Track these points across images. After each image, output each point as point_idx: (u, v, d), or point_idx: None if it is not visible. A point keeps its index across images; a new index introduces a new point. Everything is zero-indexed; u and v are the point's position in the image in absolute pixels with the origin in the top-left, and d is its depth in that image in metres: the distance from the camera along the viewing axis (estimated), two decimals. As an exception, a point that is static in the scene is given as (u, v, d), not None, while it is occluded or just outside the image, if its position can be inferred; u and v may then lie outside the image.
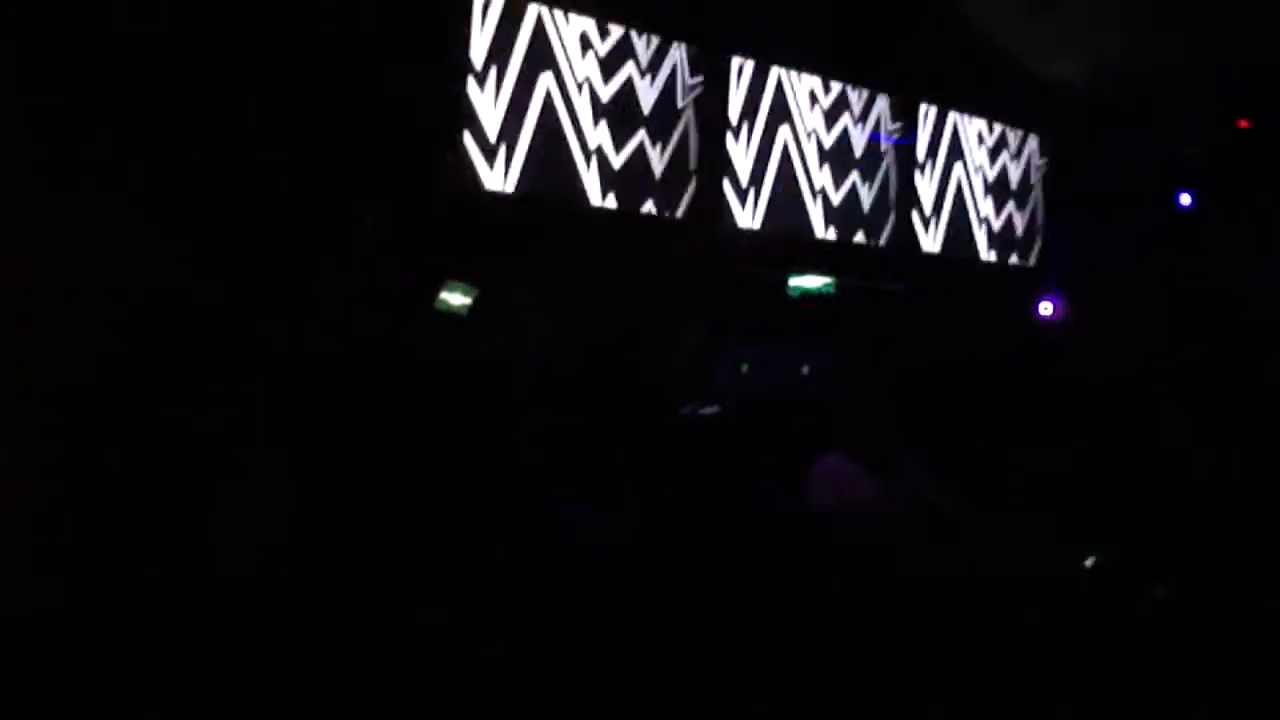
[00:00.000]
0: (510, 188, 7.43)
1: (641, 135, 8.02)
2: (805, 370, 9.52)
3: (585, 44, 7.79)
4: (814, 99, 8.91)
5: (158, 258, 6.25)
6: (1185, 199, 10.69)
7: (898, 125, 9.43)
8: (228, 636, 5.80)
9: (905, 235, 9.49)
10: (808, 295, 9.29)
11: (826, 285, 9.29)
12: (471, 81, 7.29)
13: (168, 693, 5.47)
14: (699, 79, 8.29)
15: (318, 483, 6.68)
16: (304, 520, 6.52)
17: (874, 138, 9.23)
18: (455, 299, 7.60)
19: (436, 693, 5.75)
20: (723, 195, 8.42)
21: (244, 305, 6.62)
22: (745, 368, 9.27)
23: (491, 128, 7.34)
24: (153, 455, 6.20)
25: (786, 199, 8.73)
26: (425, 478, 6.96)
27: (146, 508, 6.12)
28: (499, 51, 7.37)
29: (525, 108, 7.48)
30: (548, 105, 7.59)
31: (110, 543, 6.00)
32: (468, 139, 7.32)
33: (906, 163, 9.46)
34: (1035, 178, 10.39)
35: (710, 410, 8.82)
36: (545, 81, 7.59)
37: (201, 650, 5.67)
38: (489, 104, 7.35)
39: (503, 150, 7.39)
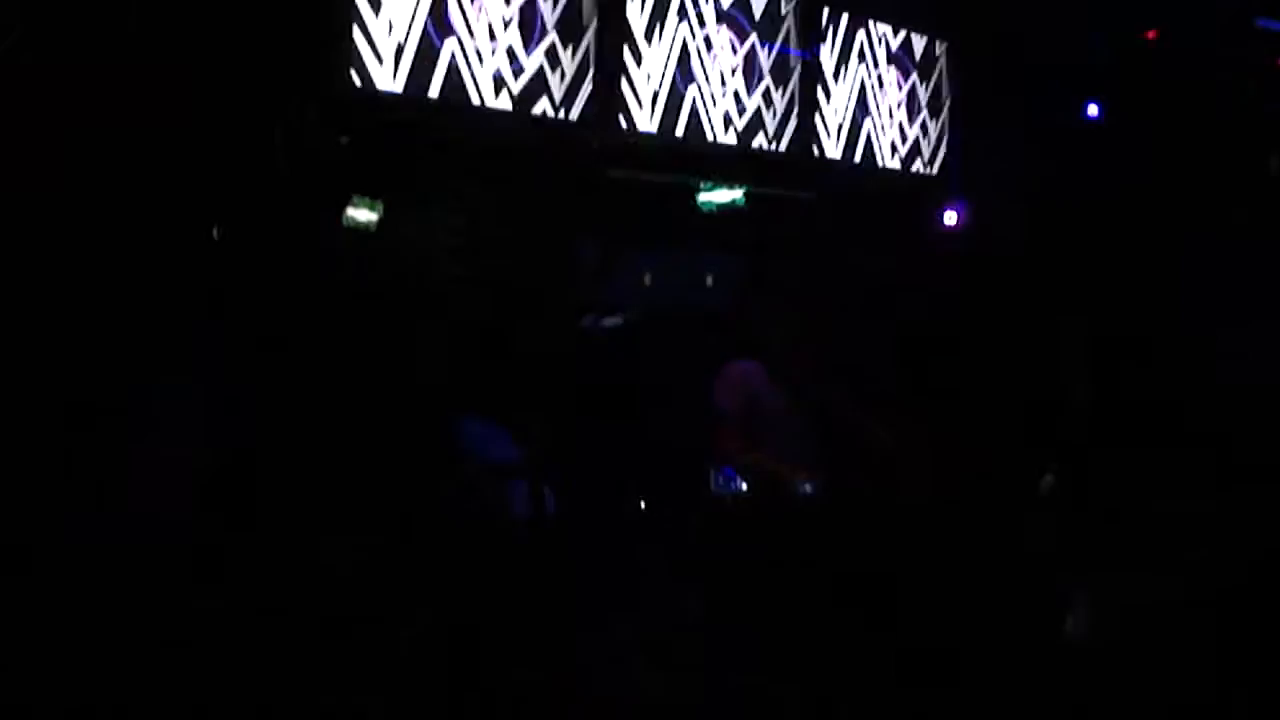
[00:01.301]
0: (400, 88, 7.31)
1: (545, 38, 7.95)
2: (710, 280, 9.56)
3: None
4: (718, 2, 8.86)
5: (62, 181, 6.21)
6: (1092, 110, 10.76)
7: (802, 30, 9.40)
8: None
9: (809, 142, 9.49)
10: (717, 207, 9.30)
11: (737, 199, 9.29)
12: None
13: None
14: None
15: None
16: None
17: (779, 47, 9.21)
18: (361, 215, 7.57)
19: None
20: (621, 98, 8.36)
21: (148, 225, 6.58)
22: (648, 278, 9.29)
23: (381, 26, 7.22)
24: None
25: (687, 103, 8.69)
26: (329, 400, 6.96)
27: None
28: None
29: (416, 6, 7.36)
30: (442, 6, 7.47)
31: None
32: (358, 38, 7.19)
33: (811, 68, 9.45)
34: (942, 86, 10.42)
35: (613, 321, 8.85)
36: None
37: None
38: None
39: (393, 50, 7.26)
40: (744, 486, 7.43)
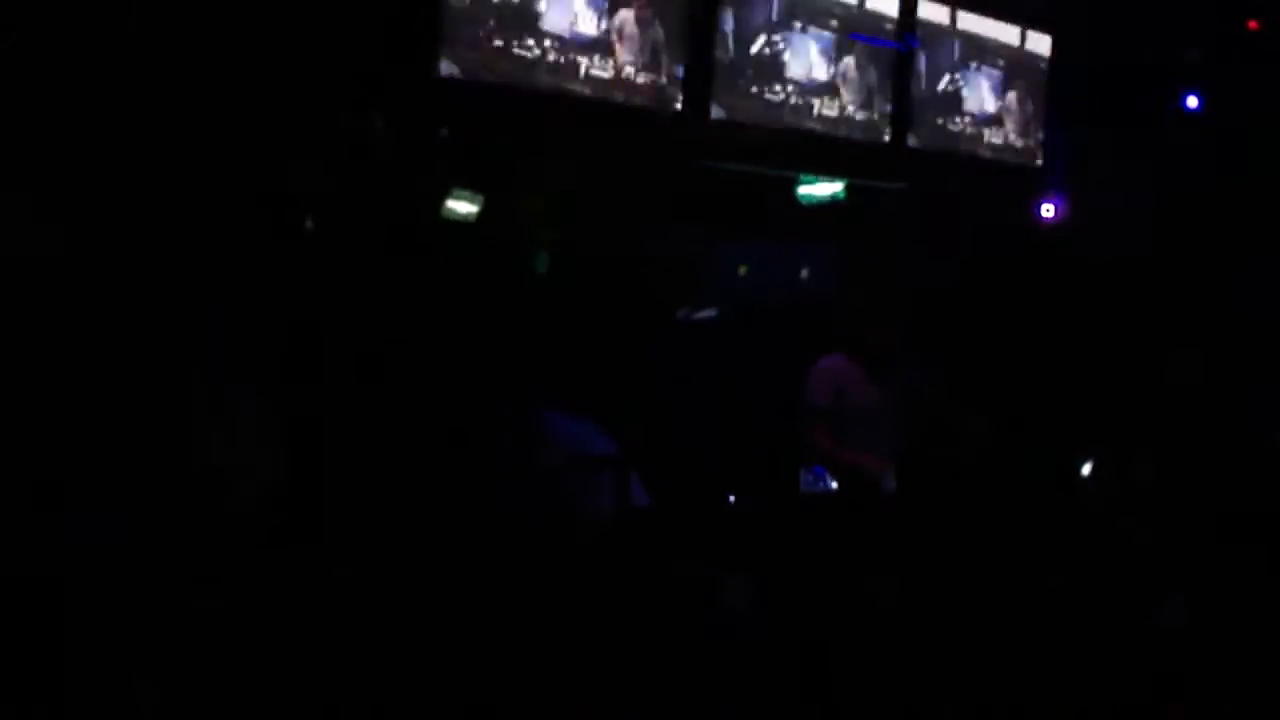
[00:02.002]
0: (498, 78, 7.37)
1: (640, 29, 7.99)
2: (805, 273, 9.57)
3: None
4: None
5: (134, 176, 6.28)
6: (1192, 102, 10.67)
7: (899, 21, 9.38)
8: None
9: (905, 133, 9.47)
10: (817, 200, 9.30)
11: (837, 193, 9.30)
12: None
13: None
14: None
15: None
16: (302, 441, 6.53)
17: (876, 39, 9.20)
18: (461, 206, 7.65)
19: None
20: (718, 88, 8.38)
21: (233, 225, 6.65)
22: (744, 270, 9.32)
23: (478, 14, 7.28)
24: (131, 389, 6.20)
25: (777, 95, 8.69)
26: (429, 396, 7.00)
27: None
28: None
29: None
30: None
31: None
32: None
33: (907, 59, 9.43)
34: (1039, 77, 10.36)
35: (707, 313, 8.90)
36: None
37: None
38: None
39: (490, 39, 7.32)
40: (834, 485, 7.48)
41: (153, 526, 5.64)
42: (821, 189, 9.30)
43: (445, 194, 7.66)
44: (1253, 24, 10.39)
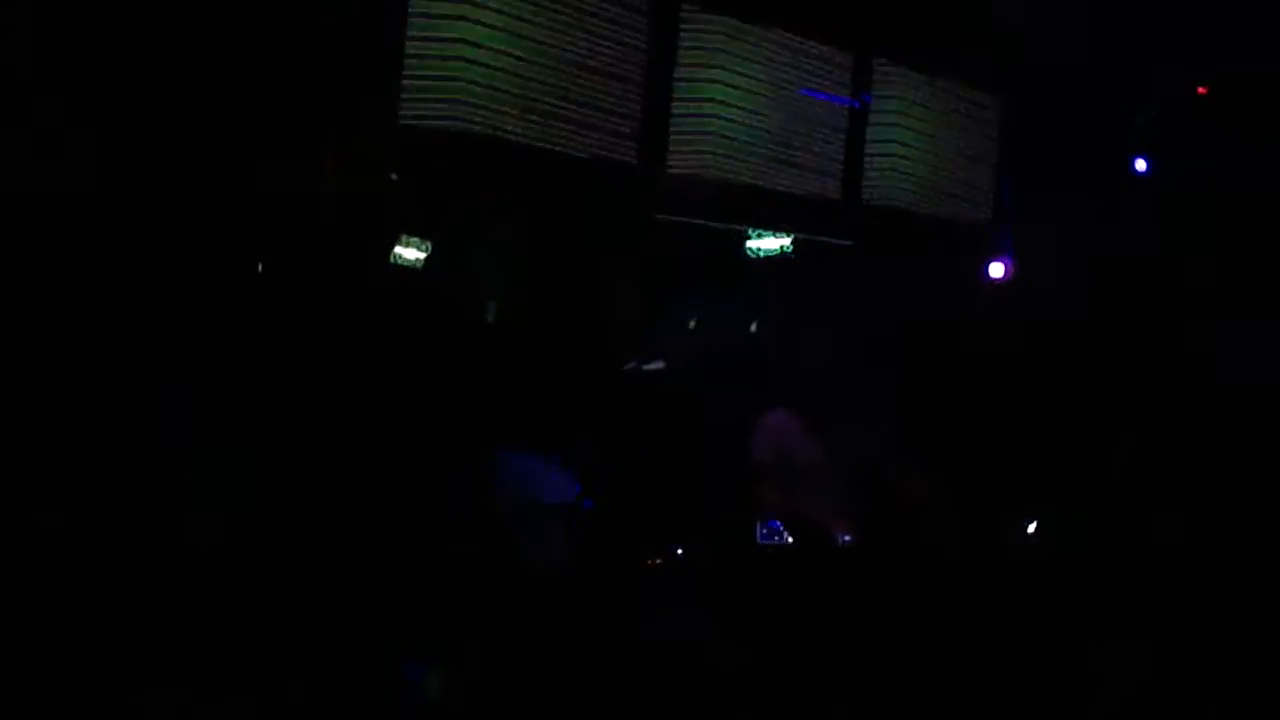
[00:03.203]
0: (449, 124, 7.44)
1: (585, 77, 8.06)
2: (754, 326, 9.63)
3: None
4: (768, 49, 8.95)
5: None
6: (1140, 165, 10.79)
7: (855, 79, 9.48)
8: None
9: (857, 190, 9.57)
10: (765, 254, 9.37)
11: (785, 246, 9.38)
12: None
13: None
14: (646, 21, 8.31)
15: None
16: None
17: (827, 95, 9.29)
18: (409, 253, 7.68)
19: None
20: (670, 142, 8.47)
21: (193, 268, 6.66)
22: (693, 323, 9.37)
23: (430, 61, 7.36)
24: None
25: (732, 149, 8.77)
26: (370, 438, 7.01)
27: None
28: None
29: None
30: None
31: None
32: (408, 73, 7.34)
33: (859, 118, 9.53)
34: (992, 138, 10.47)
35: (656, 365, 8.93)
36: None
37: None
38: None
39: (442, 85, 7.40)
40: (789, 539, 7.51)
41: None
42: (769, 243, 9.37)
43: (395, 241, 7.67)
44: (1201, 90, 10.53)
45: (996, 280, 10.42)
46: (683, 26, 8.52)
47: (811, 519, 7.68)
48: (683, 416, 8.73)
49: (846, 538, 7.61)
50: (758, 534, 7.59)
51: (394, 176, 7.65)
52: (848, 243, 9.62)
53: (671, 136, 8.48)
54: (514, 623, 6.60)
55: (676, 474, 8.44)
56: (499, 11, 7.59)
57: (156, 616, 5.91)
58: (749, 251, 9.41)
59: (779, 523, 7.58)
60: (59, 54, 6.23)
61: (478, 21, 7.51)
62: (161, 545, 6.10)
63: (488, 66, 7.55)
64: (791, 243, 9.37)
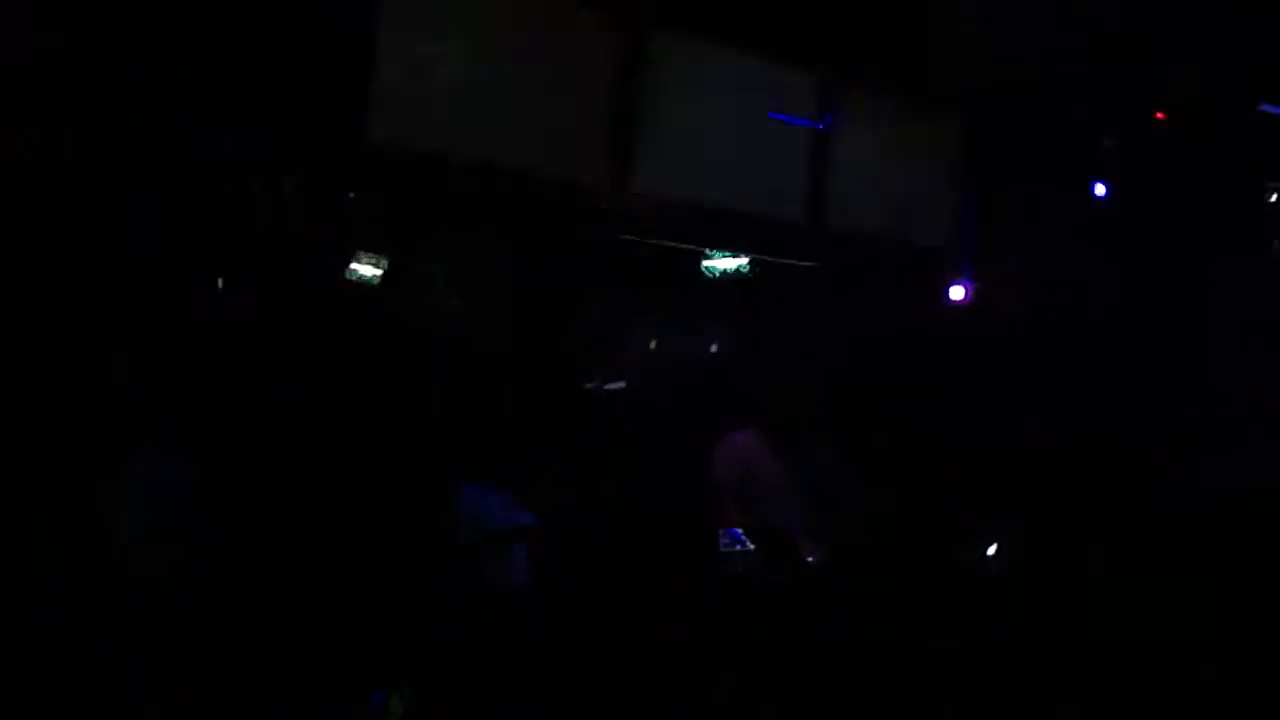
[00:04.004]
0: (410, 142, 7.46)
1: (551, 98, 8.09)
2: (714, 347, 9.68)
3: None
4: (733, 72, 8.99)
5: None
6: (1100, 190, 10.86)
7: (815, 103, 9.53)
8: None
9: (817, 211, 9.60)
10: (722, 274, 9.42)
11: (741, 266, 9.43)
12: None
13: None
14: (613, 43, 8.33)
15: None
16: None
17: (785, 116, 9.33)
18: (366, 270, 7.68)
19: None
20: (632, 163, 8.50)
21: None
22: (654, 343, 9.41)
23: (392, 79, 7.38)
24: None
25: (696, 170, 8.81)
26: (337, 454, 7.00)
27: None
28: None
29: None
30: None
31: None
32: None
33: (821, 140, 9.57)
34: (952, 162, 10.53)
35: (617, 385, 8.96)
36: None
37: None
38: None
39: (403, 103, 7.41)
40: (751, 546, 7.53)
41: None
42: (730, 264, 9.43)
43: (359, 258, 7.68)
44: (1160, 115, 10.62)
45: (957, 302, 10.48)
46: (649, 48, 8.54)
47: (776, 532, 7.71)
48: (644, 436, 8.76)
49: (810, 559, 7.65)
50: (720, 543, 7.62)
51: (353, 194, 7.67)
52: (809, 264, 9.66)
53: (637, 158, 8.50)
54: (476, 647, 6.60)
55: (638, 493, 8.47)
56: (467, 32, 7.61)
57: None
58: (709, 272, 9.46)
59: (739, 531, 7.61)
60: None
61: (445, 41, 7.53)
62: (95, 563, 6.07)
63: (454, 86, 7.57)
64: (753, 264, 9.42)
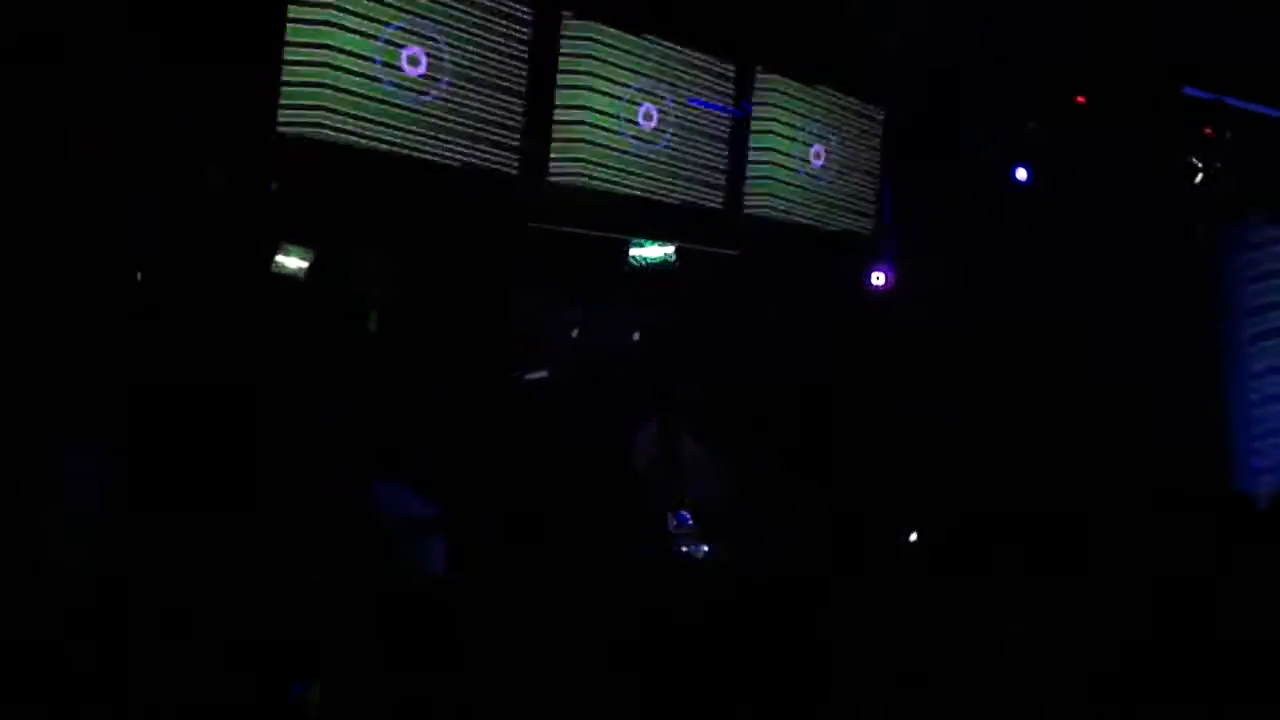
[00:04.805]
0: (332, 134, 7.49)
1: (468, 88, 8.10)
2: (636, 336, 9.69)
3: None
4: (649, 58, 9.01)
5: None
6: (1021, 174, 10.92)
7: (737, 88, 9.56)
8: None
9: (739, 199, 9.63)
10: (646, 263, 9.44)
11: (668, 256, 9.45)
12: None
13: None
14: (529, 32, 8.35)
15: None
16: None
17: (712, 104, 9.35)
18: (291, 262, 7.67)
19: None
20: (552, 151, 8.52)
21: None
22: (575, 332, 9.42)
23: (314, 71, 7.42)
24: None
25: (616, 159, 8.83)
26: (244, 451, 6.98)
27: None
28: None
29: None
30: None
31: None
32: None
33: (740, 127, 9.60)
34: (875, 147, 10.57)
35: (538, 375, 8.97)
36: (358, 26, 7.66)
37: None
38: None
39: (326, 95, 7.45)
40: (694, 524, 7.56)
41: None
42: (652, 252, 9.45)
43: (276, 249, 7.67)
44: (1080, 99, 10.68)
45: (878, 288, 10.52)
46: (563, 35, 8.56)
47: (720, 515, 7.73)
48: (563, 423, 8.77)
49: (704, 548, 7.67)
50: (669, 524, 7.64)
51: (273, 185, 7.67)
52: (730, 252, 9.69)
53: (552, 146, 8.53)
54: (396, 636, 6.60)
55: (558, 479, 8.48)
56: (379, 22, 7.63)
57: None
58: (632, 260, 9.47)
59: (687, 514, 7.64)
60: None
61: (357, 31, 7.55)
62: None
63: (366, 76, 7.59)
64: (674, 252, 9.44)
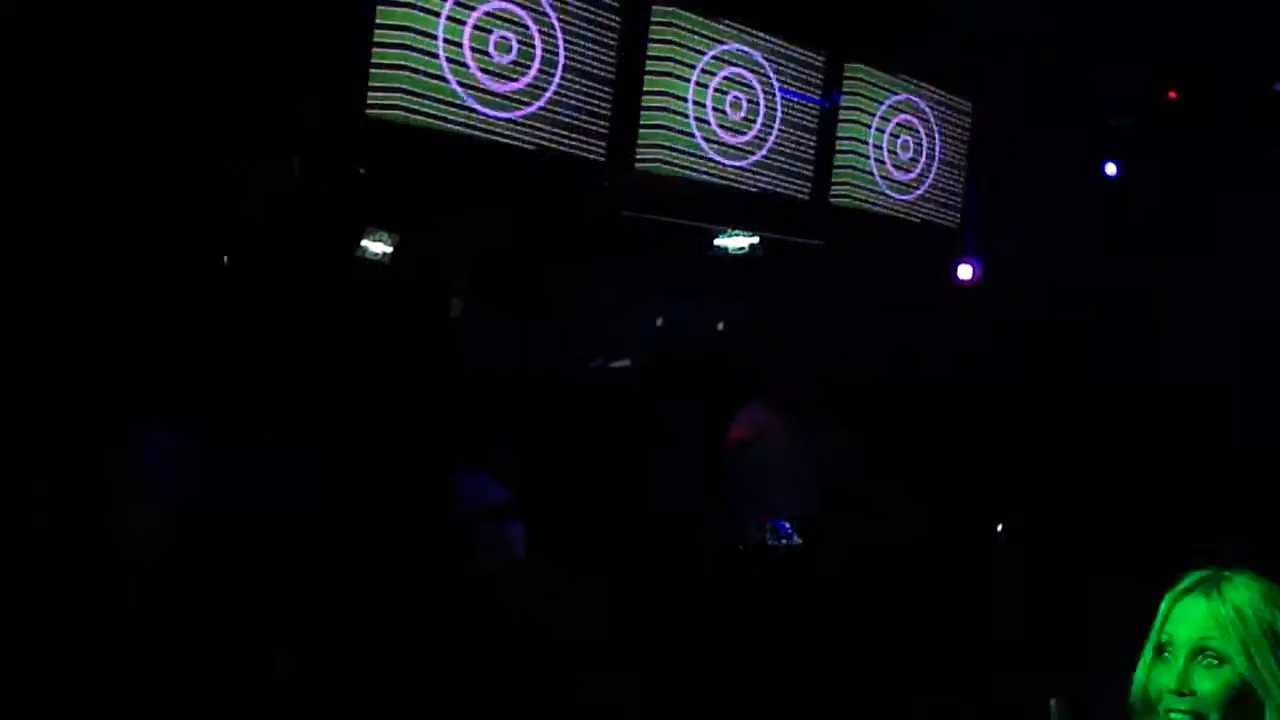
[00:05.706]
0: (418, 120, 7.47)
1: (563, 76, 8.08)
2: (721, 325, 9.66)
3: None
4: (738, 47, 8.97)
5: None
6: (1110, 169, 10.82)
7: (824, 79, 9.50)
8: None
9: (826, 190, 9.57)
10: (729, 253, 9.41)
11: (752, 245, 9.41)
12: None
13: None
14: (618, 18, 8.32)
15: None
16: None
17: (800, 95, 9.30)
18: (376, 247, 7.67)
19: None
20: (639, 139, 8.49)
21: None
22: (660, 321, 9.39)
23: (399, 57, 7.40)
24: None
25: (700, 147, 8.78)
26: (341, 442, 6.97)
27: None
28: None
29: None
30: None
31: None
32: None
33: (828, 117, 9.54)
34: (963, 141, 10.49)
35: (622, 363, 8.95)
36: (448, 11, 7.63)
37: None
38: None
39: (411, 82, 7.44)
40: (799, 540, 7.53)
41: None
42: (737, 242, 9.41)
43: (361, 234, 7.67)
44: (1172, 94, 10.57)
45: (965, 282, 10.44)
46: (653, 22, 8.52)
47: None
48: (648, 414, 8.74)
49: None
50: (767, 536, 7.61)
51: (361, 171, 7.67)
52: (816, 243, 9.64)
53: (640, 134, 8.49)
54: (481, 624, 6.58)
55: (641, 471, 8.46)
56: (469, 8, 7.61)
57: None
58: (716, 250, 9.44)
59: (788, 525, 7.60)
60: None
61: (449, 18, 7.53)
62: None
63: (457, 62, 7.58)
64: (759, 242, 9.40)
